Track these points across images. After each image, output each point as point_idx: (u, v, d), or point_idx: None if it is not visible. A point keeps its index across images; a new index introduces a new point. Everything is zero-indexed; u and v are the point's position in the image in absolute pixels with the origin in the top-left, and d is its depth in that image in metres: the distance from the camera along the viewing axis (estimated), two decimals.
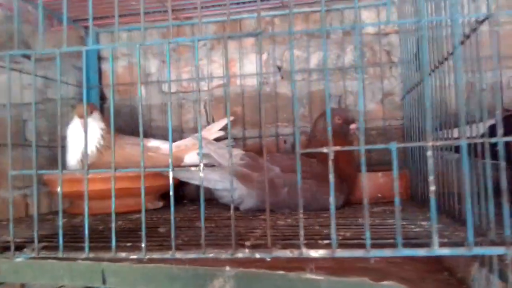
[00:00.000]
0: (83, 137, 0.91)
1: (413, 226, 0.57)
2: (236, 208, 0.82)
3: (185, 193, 1.09)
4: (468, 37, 0.53)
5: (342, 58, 1.06)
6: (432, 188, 0.43)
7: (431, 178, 0.43)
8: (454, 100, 0.67)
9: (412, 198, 0.89)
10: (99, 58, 1.17)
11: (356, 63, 1.06)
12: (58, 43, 0.53)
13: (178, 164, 0.93)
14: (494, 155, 0.46)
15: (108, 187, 0.79)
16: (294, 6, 1.07)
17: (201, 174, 0.48)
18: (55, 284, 0.48)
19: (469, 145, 0.44)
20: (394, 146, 0.43)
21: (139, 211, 0.87)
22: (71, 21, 1.08)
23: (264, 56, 1.10)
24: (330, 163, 0.44)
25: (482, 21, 0.49)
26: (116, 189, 0.80)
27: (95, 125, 0.92)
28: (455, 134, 0.70)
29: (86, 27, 1.13)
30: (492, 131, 0.47)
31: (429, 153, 0.43)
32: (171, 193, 0.48)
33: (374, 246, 0.43)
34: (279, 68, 1.10)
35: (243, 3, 1.02)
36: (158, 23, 1.11)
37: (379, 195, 0.82)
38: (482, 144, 0.46)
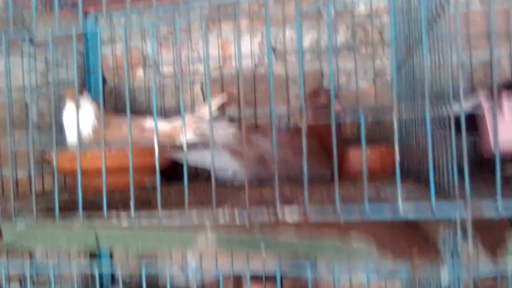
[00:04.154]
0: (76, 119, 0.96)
1: (382, 193, 0.60)
2: (231, 185, 0.86)
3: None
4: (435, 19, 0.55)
5: (334, 38, 1.07)
6: (397, 157, 0.46)
7: (396, 147, 0.46)
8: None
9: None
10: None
11: (349, 44, 1.08)
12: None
13: (174, 143, 0.97)
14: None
15: (109, 165, 0.84)
16: None
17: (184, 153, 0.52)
18: (54, 248, 0.52)
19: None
20: (362, 116, 0.46)
21: (139, 188, 0.92)
22: (70, 6, 1.10)
23: (258, 38, 1.12)
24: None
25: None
26: (116, 167, 0.85)
27: (88, 107, 0.94)
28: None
29: (85, 12, 1.16)
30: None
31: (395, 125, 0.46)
32: (157, 173, 0.53)
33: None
34: (274, 50, 1.12)
35: None
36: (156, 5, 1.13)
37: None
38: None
